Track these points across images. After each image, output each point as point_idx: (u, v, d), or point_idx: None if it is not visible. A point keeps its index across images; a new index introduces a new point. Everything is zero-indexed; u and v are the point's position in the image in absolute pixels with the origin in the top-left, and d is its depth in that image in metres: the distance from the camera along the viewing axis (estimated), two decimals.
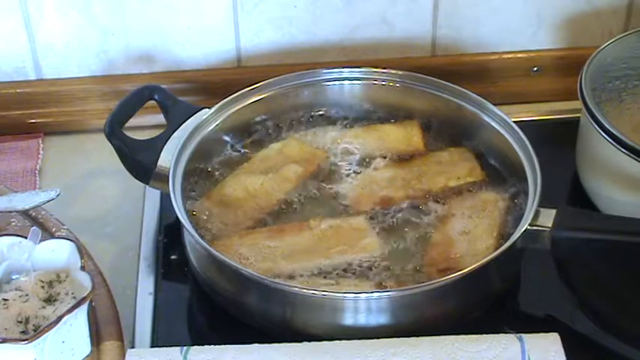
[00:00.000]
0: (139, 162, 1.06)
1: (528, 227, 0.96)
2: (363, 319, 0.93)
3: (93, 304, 0.97)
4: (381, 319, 0.93)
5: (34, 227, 0.99)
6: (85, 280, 0.91)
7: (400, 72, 1.14)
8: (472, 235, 1.01)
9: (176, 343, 0.93)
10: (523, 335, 0.91)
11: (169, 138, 1.07)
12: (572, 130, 1.13)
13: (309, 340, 0.92)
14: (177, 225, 1.02)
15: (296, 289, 0.93)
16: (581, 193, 1.12)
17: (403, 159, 1.11)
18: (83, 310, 0.90)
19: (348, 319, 0.93)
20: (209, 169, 1.10)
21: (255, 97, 1.13)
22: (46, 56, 1.25)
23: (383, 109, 1.16)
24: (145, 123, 1.18)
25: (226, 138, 1.12)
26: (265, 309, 0.95)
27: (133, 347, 0.96)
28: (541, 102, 1.30)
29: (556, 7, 1.28)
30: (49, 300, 0.92)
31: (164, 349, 0.92)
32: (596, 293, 1.04)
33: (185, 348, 0.91)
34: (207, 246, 0.95)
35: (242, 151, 1.12)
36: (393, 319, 0.94)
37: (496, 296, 0.99)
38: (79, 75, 1.27)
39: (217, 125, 1.10)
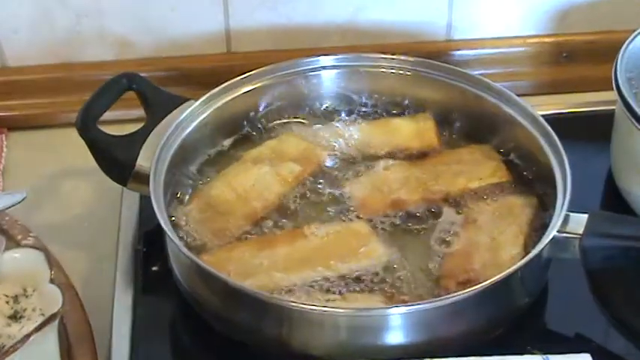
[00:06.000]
0: (116, 160, 1.06)
1: (556, 234, 0.95)
2: (369, 339, 0.93)
3: (64, 321, 0.97)
4: (390, 338, 0.93)
5: None
6: (54, 295, 0.91)
7: (411, 58, 1.15)
8: (496, 243, 1.01)
9: None
10: (550, 356, 0.91)
11: (150, 133, 1.07)
12: (607, 125, 1.13)
13: None
14: (158, 232, 1.01)
15: (293, 304, 0.92)
16: (616, 195, 1.12)
17: (416, 157, 1.11)
18: (53, 328, 0.90)
19: (353, 339, 0.93)
20: (195, 169, 1.10)
21: (246, 87, 1.13)
22: (10, 41, 1.25)
23: (391, 100, 1.16)
24: (122, 116, 1.18)
25: (214, 133, 1.12)
26: (259, 326, 0.94)
27: None
28: (571, 92, 1.30)
29: None
30: (15, 317, 0.92)
31: None
32: (633, 309, 1.04)
33: None
34: (193, 256, 0.95)
35: (232, 148, 1.12)
36: (404, 338, 0.93)
37: (520, 312, 0.99)
38: (47, 62, 1.27)
39: (204, 119, 1.10)
